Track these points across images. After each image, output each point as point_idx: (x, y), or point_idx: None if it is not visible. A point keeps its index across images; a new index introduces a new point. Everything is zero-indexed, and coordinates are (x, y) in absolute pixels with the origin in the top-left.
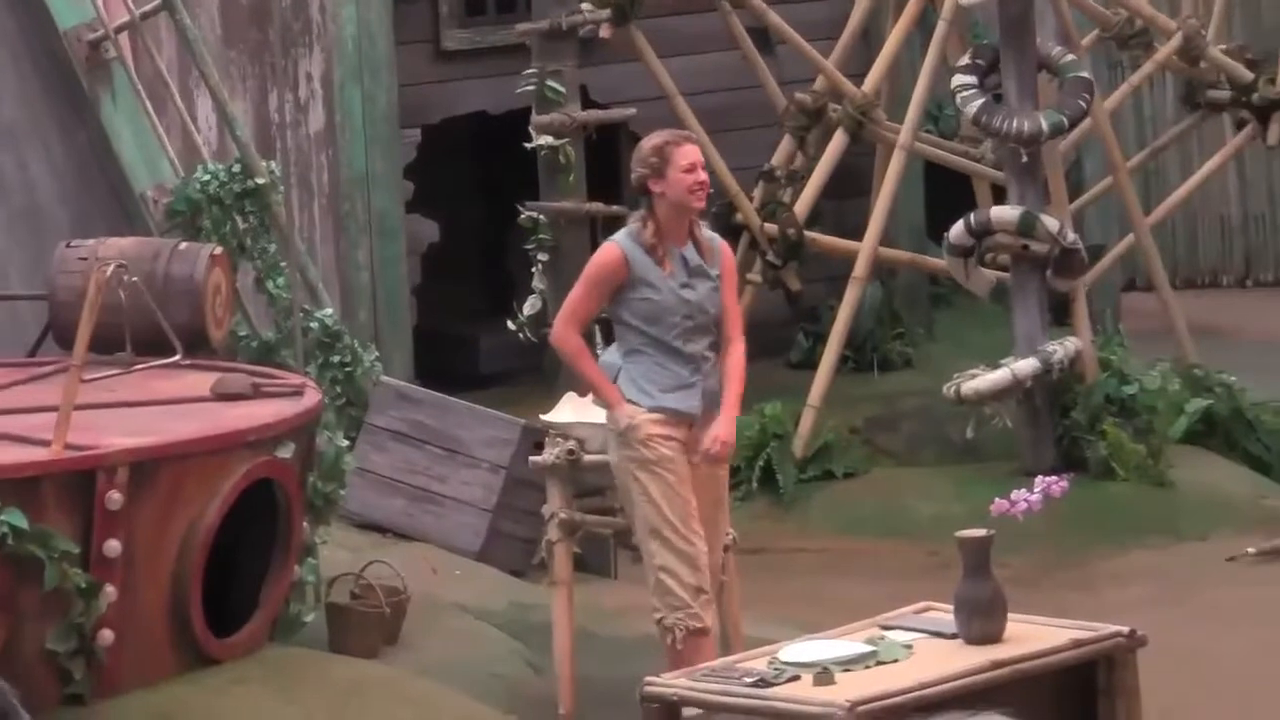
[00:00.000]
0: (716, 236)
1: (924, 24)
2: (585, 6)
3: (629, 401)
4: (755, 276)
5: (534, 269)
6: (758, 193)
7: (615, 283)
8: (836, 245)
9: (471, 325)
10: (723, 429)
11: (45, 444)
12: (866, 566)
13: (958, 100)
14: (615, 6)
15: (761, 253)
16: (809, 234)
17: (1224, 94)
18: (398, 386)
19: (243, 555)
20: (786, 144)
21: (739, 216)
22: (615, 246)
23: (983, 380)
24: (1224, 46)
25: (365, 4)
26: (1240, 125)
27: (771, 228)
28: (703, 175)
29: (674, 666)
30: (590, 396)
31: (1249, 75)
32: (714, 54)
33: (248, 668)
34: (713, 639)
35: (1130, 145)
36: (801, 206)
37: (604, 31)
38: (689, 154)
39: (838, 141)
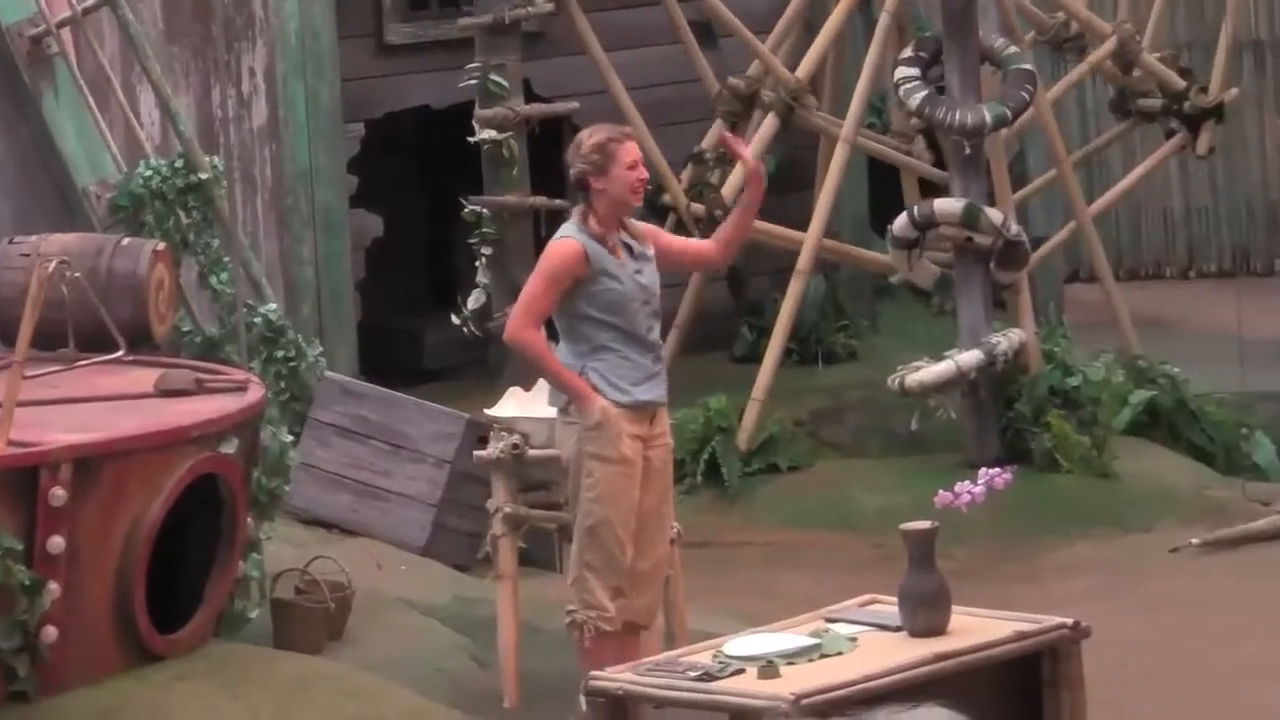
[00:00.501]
0: (635, 221)
1: (868, 16)
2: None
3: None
4: None
5: (478, 263)
6: (686, 174)
7: (574, 276)
8: (780, 236)
9: (416, 320)
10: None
11: None
12: (811, 559)
13: (900, 92)
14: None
15: (688, 233)
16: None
17: (1155, 103)
18: (342, 381)
19: (187, 551)
20: (717, 128)
21: (666, 197)
22: (572, 240)
23: (927, 372)
24: (1159, 54)
25: None
26: (1170, 134)
27: (698, 208)
28: (644, 173)
29: (584, 664)
30: (536, 390)
31: (1181, 84)
32: (658, 47)
33: (192, 664)
34: (658, 633)
35: (1074, 137)
36: (729, 189)
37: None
38: (631, 151)
39: (769, 126)
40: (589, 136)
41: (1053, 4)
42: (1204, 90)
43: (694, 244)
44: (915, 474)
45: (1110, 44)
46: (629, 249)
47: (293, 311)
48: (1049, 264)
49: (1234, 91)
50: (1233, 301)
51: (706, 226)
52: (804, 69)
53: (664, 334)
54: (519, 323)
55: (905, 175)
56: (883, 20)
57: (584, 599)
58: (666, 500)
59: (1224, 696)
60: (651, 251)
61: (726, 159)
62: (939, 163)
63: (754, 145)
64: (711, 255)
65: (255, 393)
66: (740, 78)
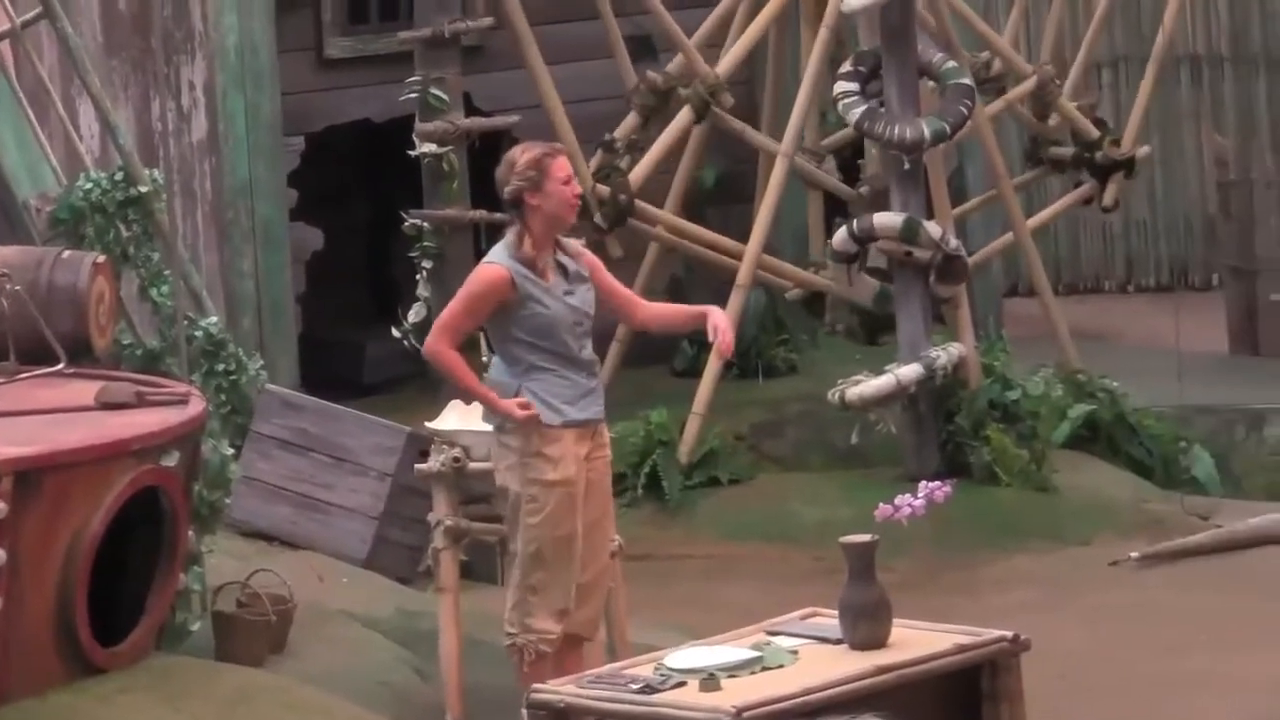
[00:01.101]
0: (572, 240)
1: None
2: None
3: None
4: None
5: (418, 276)
6: (595, 160)
7: (498, 301)
8: (720, 250)
9: (356, 333)
10: (720, 319)
11: None
12: (752, 572)
13: (839, 107)
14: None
15: (589, 215)
16: (699, 235)
17: (1066, 151)
18: (283, 394)
19: (128, 564)
20: (631, 119)
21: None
22: (498, 267)
23: (867, 386)
24: (1077, 103)
25: (247, 12)
26: (1079, 184)
27: (603, 190)
28: (577, 188)
29: (523, 683)
30: (477, 404)
31: (1095, 133)
32: (596, 61)
33: (134, 676)
34: (600, 645)
35: (1013, 152)
36: (636, 175)
37: (614, 251)
38: (564, 166)
39: (682, 119)
40: (521, 153)
41: (981, 42)
42: (1116, 143)
43: (624, 294)
44: (856, 487)
45: (1029, 84)
46: (562, 269)
47: (233, 324)
48: (988, 278)
49: (1146, 149)
50: (1171, 315)
51: (610, 209)
52: (723, 66)
53: (604, 348)
54: (434, 338)
55: (811, 192)
56: (821, 35)
57: (525, 622)
58: (607, 514)
59: (1162, 708)
60: (587, 272)
61: (638, 146)
62: (850, 182)
63: (664, 134)
64: (636, 316)
65: (196, 406)
66: (659, 73)
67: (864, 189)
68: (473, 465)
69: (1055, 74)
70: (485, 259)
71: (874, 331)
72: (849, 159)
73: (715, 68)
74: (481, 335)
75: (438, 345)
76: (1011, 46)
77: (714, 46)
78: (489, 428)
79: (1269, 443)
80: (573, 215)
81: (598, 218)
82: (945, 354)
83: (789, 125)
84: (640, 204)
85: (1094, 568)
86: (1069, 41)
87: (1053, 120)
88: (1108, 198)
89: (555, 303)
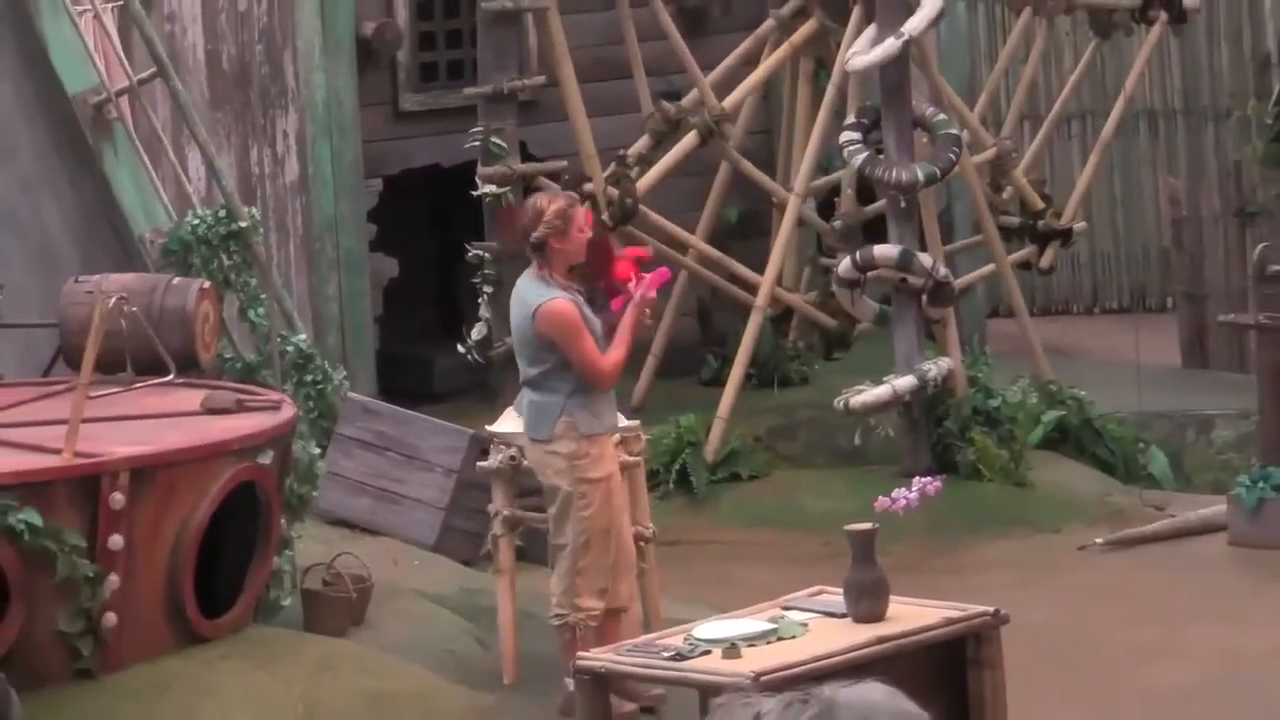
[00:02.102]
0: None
1: (817, 85)
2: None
3: (583, 436)
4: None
5: (480, 299)
6: (609, 171)
7: None
8: (741, 277)
9: (426, 348)
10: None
11: (57, 452)
12: (768, 555)
13: (845, 154)
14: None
15: (598, 211)
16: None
17: (1014, 220)
18: (363, 401)
19: (229, 548)
20: (643, 141)
21: (589, 185)
22: (564, 300)
23: (868, 394)
24: (1030, 178)
25: (333, 71)
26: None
27: (613, 192)
28: (589, 232)
29: (566, 656)
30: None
31: (1040, 205)
32: (632, 114)
33: (233, 645)
34: (635, 619)
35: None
36: (643, 183)
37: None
38: (585, 216)
39: (688, 141)
40: (548, 204)
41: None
42: (1058, 215)
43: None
44: (858, 482)
45: (989, 153)
46: (589, 299)
47: (320, 341)
48: (972, 301)
49: (1083, 224)
50: (1131, 334)
51: (618, 208)
52: (730, 100)
53: (640, 363)
54: (600, 371)
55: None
56: (829, 92)
57: (574, 603)
58: (627, 502)
59: (1123, 674)
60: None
61: (648, 161)
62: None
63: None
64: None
65: (288, 411)
66: (673, 104)
67: (838, 224)
68: (527, 463)
69: (1014, 148)
70: (544, 300)
71: (831, 347)
72: (827, 200)
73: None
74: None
75: (605, 366)
76: (990, 102)
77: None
78: None
79: (1216, 444)
80: (583, 255)
81: (605, 216)
82: (936, 367)
83: (801, 170)
84: (675, 230)
85: (1064, 552)
86: (1044, 97)
87: (1006, 193)
88: (1045, 261)
89: (594, 324)
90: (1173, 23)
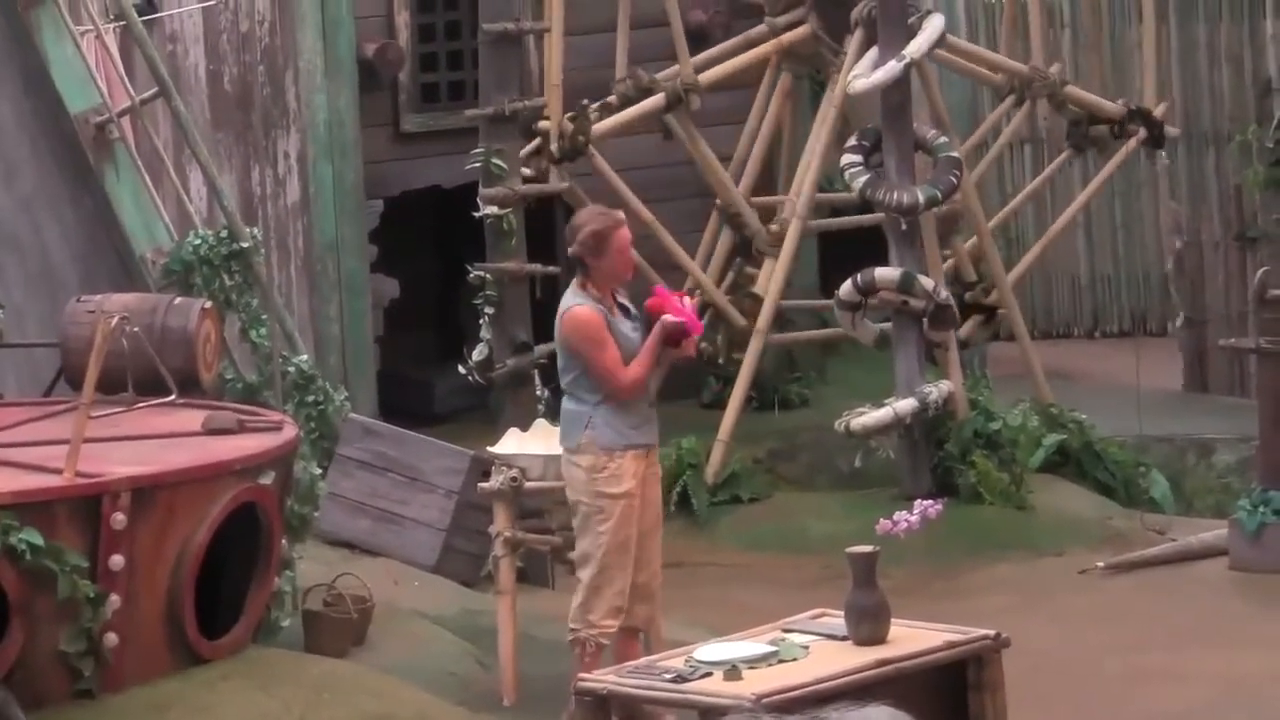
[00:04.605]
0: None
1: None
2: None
3: (605, 449)
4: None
5: (481, 321)
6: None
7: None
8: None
9: (427, 370)
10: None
11: (58, 472)
12: (769, 578)
13: (846, 176)
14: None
15: (547, 143)
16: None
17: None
18: (364, 422)
19: (229, 568)
20: (611, 101)
21: (544, 123)
22: (588, 308)
23: (869, 417)
24: (968, 243)
25: (335, 92)
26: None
27: (567, 126)
28: (632, 257)
29: (577, 671)
30: (533, 430)
31: (973, 277)
32: (639, 136)
33: (234, 666)
34: (639, 640)
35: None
36: (601, 128)
37: (558, 180)
38: (622, 237)
39: (654, 102)
40: (586, 224)
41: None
42: (987, 292)
43: None
44: (858, 505)
45: (941, 209)
46: (625, 310)
47: (322, 362)
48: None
49: (1003, 311)
50: (1131, 358)
51: (567, 144)
52: (705, 77)
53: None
54: (615, 384)
55: (725, 234)
56: (831, 114)
57: (588, 619)
58: (659, 524)
59: (1124, 698)
60: (636, 311)
61: (608, 110)
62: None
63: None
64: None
65: (289, 432)
66: (646, 72)
67: (774, 227)
68: (529, 484)
69: (962, 214)
70: (569, 306)
71: (730, 348)
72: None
73: (687, 57)
74: (535, 372)
75: (625, 381)
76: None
77: (737, 123)
78: (543, 451)
79: (1216, 468)
80: (628, 275)
81: (554, 146)
82: (936, 390)
83: (802, 193)
84: (622, 188)
85: (1065, 575)
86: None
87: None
88: (963, 331)
89: (624, 338)
90: (1149, 144)
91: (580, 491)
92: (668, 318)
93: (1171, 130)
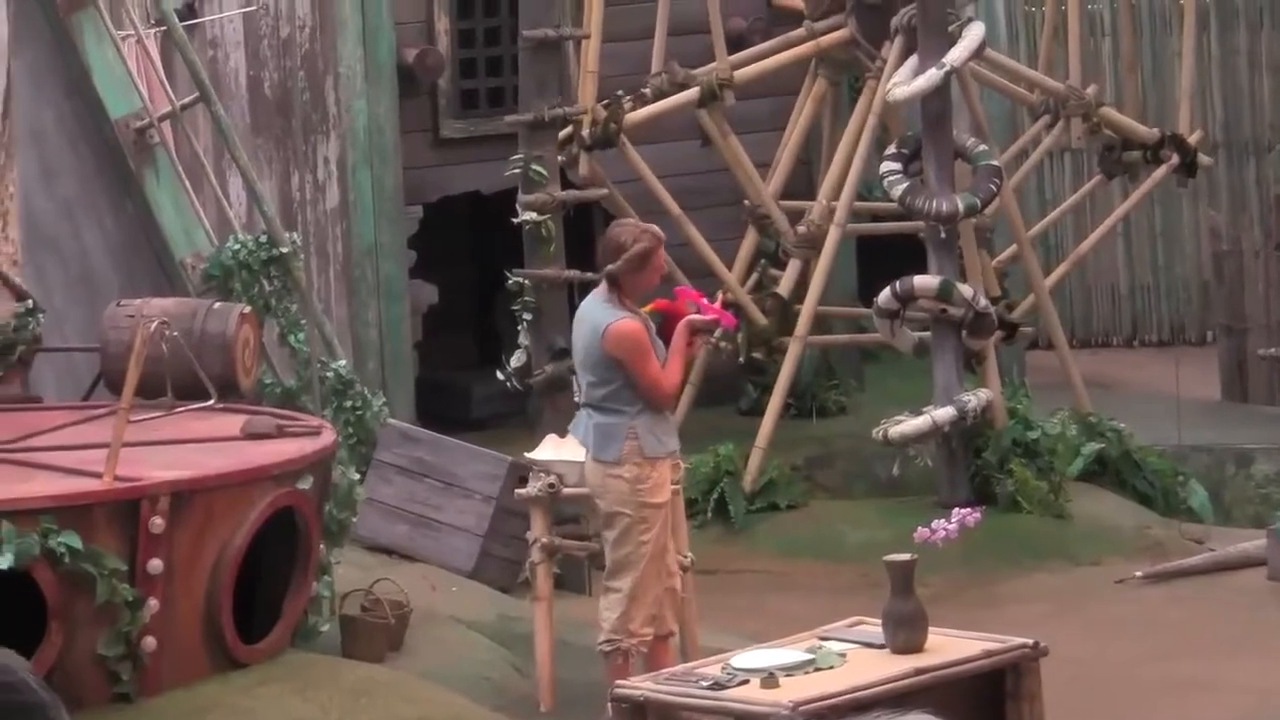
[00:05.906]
0: None
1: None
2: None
3: (645, 457)
4: None
5: (519, 327)
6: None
7: None
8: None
9: (465, 375)
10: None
11: (97, 476)
12: (806, 585)
13: (885, 184)
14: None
15: (579, 129)
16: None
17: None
18: (402, 428)
19: (267, 572)
20: (645, 94)
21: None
22: (632, 320)
23: (907, 425)
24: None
25: (375, 98)
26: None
27: (600, 113)
28: (663, 270)
29: (614, 678)
30: (570, 437)
31: (997, 292)
32: (680, 143)
33: (271, 670)
34: (674, 647)
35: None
36: (635, 117)
37: (583, 168)
38: (661, 255)
39: (687, 95)
40: (631, 242)
41: None
42: (1010, 308)
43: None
44: (895, 513)
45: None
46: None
47: (360, 367)
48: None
49: (1030, 329)
50: (1171, 367)
51: (600, 131)
52: (741, 75)
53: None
54: (665, 391)
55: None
56: (870, 122)
57: (628, 628)
58: (679, 529)
59: (1160, 708)
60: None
61: (643, 101)
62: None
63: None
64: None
65: (327, 437)
66: (683, 69)
67: (801, 228)
68: (566, 491)
69: (992, 225)
70: (611, 321)
71: (751, 346)
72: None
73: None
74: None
75: (670, 388)
76: None
77: (778, 130)
78: (580, 458)
79: (1255, 478)
80: (656, 285)
81: (586, 132)
82: (975, 398)
83: (841, 200)
84: (654, 182)
85: (1103, 585)
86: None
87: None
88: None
89: (658, 348)
90: (1181, 172)
91: (623, 503)
92: (695, 317)
93: (1205, 159)
